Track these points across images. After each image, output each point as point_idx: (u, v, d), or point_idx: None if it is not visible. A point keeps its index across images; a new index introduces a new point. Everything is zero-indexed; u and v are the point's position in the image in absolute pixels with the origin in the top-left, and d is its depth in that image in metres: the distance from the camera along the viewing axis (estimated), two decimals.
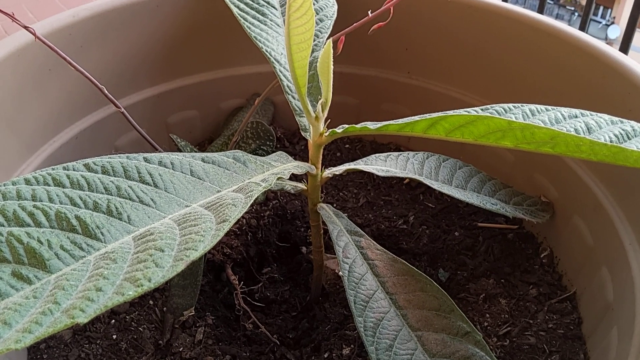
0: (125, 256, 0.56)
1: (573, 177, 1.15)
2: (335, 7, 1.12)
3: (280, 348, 1.09)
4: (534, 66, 1.20)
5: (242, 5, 1.06)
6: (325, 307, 1.14)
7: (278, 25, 1.07)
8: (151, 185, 0.69)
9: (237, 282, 1.16)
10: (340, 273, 0.92)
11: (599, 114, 0.78)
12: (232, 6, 1.04)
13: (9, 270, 0.53)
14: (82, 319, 0.48)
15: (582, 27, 2.23)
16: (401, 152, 1.10)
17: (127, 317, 1.07)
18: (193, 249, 0.56)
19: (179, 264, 0.54)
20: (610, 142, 0.72)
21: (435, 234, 1.27)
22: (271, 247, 1.28)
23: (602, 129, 0.75)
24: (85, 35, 1.18)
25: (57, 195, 0.62)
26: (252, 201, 0.66)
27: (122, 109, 1.10)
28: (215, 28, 1.38)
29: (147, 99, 1.37)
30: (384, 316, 0.86)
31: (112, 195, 0.65)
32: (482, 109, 0.77)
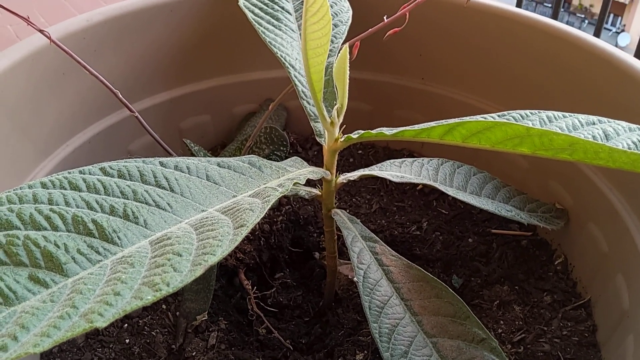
0: (143, 260, 0.56)
1: (588, 184, 1.14)
2: (350, 12, 1.12)
3: (293, 353, 1.08)
4: (549, 73, 1.19)
5: (256, 11, 1.06)
6: (338, 312, 1.13)
7: (292, 30, 1.07)
8: (167, 190, 0.69)
9: (250, 287, 1.15)
10: (355, 279, 0.91)
11: (616, 121, 0.77)
12: (247, 11, 1.04)
13: (25, 274, 0.53)
14: (101, 323, 0.47)
15: (596, 35, 2.22)
16: (415, 158, 1.09)
17: (140, 321, 1.07)
18: (211, 254, 0.55)
19: (197, 268, 0.53)
20: (629, 149, 0.72)
21: (448, 241, 1.27)
22: (284, 253, 1.28)
23: (620, 136, 0.75)
24: (99, 40, 1.18)
25: (73, 199, 0.62)
26: (269, 206, 0.66)
27: (137, 114, 1.10)
28: (228, 33, 1.38)
29: (160, 104, 1.37)
30: (399, 322, 0.86)
31: (128, 199, 0.65)
32: (499, 115, 0.77)
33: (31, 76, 1.08)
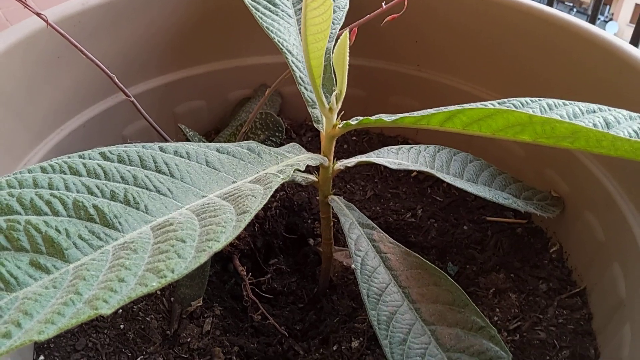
0: (146, 246, 0.55)
1: (584, 172, 1.14)
2: None
3: (288, 340, 1.08)
4: (546, 60, 1.19)
5: None
6: (332, 299, 1.13)
7: (289, 15, 1.06)
8: (167, 175, 0.68)
9: (245, 274, 1.15)
10: (353, 266, 0.91)
11: (617, 109, 0.77)
12: None
13: (26, 260, 0.52)
14: (106, 310, 0.47)
15: (591, 23, 2.23)
16: (412, 145, 1.09)
17: (134, 306, 1.06)
18: (215, 240, 0.55)
19: (201, 255, 0.53)
20: (630, 137, 0.71)
21: (443, 228, 1.27)
22: (278, 239, 1.28)
23: (621, 124, 0.74)
24: (94, 23, 1.17)
25: (74, 184, 0.61)
26: (271, 193, 0.66)
27: (132, 98, 1.09)
28: (223, 18, 1.37)
29: (155, 89, 1.36)
30: (397, 310, 0.86)
31: (128, 184, 0.64)
32: (499, 103, 0.76)
33: (26, 60, 1.07)
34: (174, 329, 1.05)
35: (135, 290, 0.49)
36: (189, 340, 1.03)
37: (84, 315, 0.47)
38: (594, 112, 0.76)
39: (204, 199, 0.67)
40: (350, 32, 1.04)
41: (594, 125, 0.73)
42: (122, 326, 1.04)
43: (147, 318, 1.06)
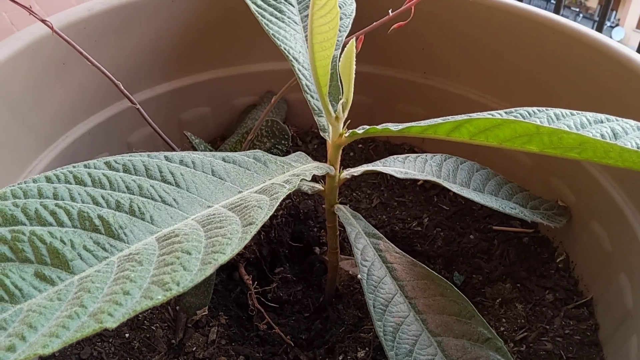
0: (151, 258, 0.55)
1: (592, 182, 1.14)
2: (354, 5, 1.11)
3: (294, 349, 1.07)
4: (553, 69, 1.18)
5: (259, 2, 1.04)
6: (338, 308, 1.13)
7: (295, 22, 1.06)
8: (173, 185, 0.68)
9: (250, 282, 1.14)
10: (359, 276, 0.90)
11: (624, 120, 0.76)
12: (249, 3, 1.03)
13: (31, 271, 0.52)
14: (111, 323, 0.46)
15: (597, 30, 2.22)
16: (419, 154, 1.08)
17: (139, 315, 1.06)
18: (221, 253, 0.54)
19: (207, 267, 0.52)
20: (638, 148, 0.71)
21: (450, 237, 1.26)
22: (284, 247, 1.27)
23: (629, 134, 0.74)
24: (100, 30, 1.17)
25: (79, 194, 0.61)
26: (277, 204, 0.65)
27: (138, 105, 1.09)
28: (229, 25, 1.37)
29: (160, 95, 1.36)
30: (404, 321, 0.85)
31: (134, 194, 0.64)
32: (506, 112, 0.76)
33: (32, 66, 1.07)
34: (179, 338, 1.05)
35: (140, 303, 0.48)
36: (194, 349, 1.03)
37: (89, 328, 0.46)
38: (602, 122, 0.76)
39: (209, 209, 0.66)
40: (356, 40, 1.04)
41: (602, 135, 0.72)
42: (127, 335, 1.03)
43: (153, 327, 1.05)
